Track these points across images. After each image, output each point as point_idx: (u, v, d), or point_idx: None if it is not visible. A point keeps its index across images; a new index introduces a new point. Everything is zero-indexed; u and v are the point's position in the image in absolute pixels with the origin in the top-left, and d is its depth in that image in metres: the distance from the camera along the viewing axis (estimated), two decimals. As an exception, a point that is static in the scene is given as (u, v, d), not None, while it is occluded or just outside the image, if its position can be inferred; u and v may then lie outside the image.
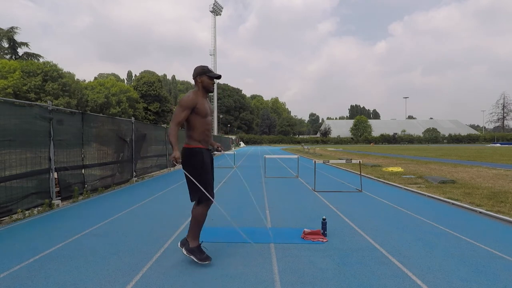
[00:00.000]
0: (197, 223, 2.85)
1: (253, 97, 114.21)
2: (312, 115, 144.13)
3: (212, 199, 2.82)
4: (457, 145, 67.48)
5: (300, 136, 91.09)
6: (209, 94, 3.05)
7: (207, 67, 2.88)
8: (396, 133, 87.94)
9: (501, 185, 7.35)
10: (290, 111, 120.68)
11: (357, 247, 3.29)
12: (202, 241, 2.96)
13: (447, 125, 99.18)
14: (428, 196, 6.24)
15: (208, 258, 2.82)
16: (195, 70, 2.87)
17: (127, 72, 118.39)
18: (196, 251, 2.81)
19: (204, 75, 2.83)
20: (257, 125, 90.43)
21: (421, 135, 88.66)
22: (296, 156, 12.07)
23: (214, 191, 3.11)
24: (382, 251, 3.16)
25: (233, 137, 57.01)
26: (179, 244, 2.94)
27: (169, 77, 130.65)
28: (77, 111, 6.53)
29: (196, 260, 2.78)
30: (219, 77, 2.92)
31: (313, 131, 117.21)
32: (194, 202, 2.91)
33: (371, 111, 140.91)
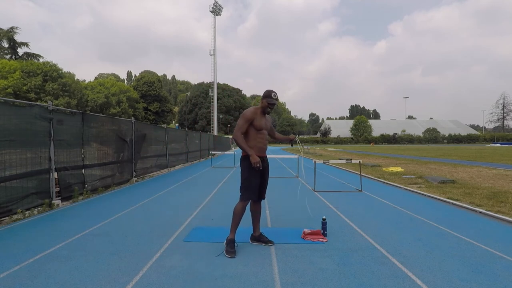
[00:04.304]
0: (234, 217, 3.25)
1: (253, 97, 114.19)
2: (312, 115, 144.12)
3: (249, 198, 3.27)
4: (457, 145, 67.48)
5: (300, 136, 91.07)
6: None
7: (271, 92, 3.31)
8: (396, 133, 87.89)
9: (501, 185, 7.35)
10: (290, 111, 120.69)
11: (357, 247, 3.29)
12: (237, 244, 3.24)
13: (447, 125, 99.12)
14: (428, 196, 6.24)
15: (233, 253, 3.06)
16: (264, 92, 3.37)
17: (127, 72, 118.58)
18: (228, 242, 3.14)
19: (265, 99, 3.31)
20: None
21: (421, 135, 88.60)
22: (296, 156, 12.07)
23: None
24: (382, 251, 3.16)
25: (233, 137, 56.75)
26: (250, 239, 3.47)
27: (169, 77, 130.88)
28: (77, 111, 6.52)
29: (224, 251, 3.10)
30: (274, 103, 3.31)
31: (313, 131, 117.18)
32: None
33: (371, 111, 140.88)
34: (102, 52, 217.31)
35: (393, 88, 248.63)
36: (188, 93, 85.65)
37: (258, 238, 3.43)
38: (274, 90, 3.32)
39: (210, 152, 19.76)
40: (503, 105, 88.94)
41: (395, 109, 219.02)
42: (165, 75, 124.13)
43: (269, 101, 3.30)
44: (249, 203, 3.41)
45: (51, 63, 32.13)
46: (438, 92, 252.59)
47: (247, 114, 3.26)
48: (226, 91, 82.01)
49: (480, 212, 4.83)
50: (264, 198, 3.45)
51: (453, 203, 5.49)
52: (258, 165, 3.12)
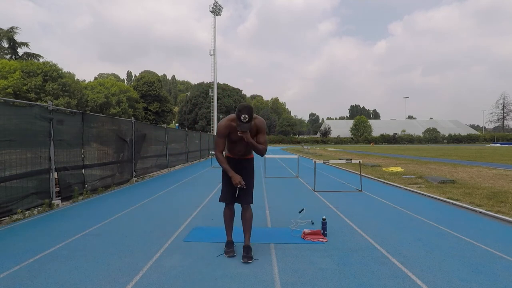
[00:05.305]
0: (224, 220, 3.20)
1: (253, 97, 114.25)
2: (312, 115, 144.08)
3: (221, 200, 3.14)
4: (457, 145, 67.50)
5: (300, 136, 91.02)
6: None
7: (241, 115, 2.74)
8: (396, 133, 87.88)
9: (501, 185, 7.35)
10: (290, 111, 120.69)
11: (357, 247, 3.29)
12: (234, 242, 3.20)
13: (447, 125, 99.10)
14: (428, 196, 6.24)
15: (232, 252, 3.06)
16: (239, 105, 2.85)
17: (126, 72, 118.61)
18: (226, 244, 3.15)
19: (237, 114, 2.78)
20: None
21: (421, 135, 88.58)
22: (296, 156, 12.06)
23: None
24: (382, 251, 3.16)
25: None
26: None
27: (169, 77, 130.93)
28: (77, 111, 6.53)
29: (223, 252, 3.09)
30: (244, 117, 2.75)
31: (313, 131, 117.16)
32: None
33: (371, 111, 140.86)
34: (102, 52, 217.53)
35: (393, 88, 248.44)
36: (188, 93, 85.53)
37: (243, 248, 3.05)
38: (248, 106, 2.76)
39: (210, 152, 19.75)
40: (503, 105, 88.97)
41: (395, 109, 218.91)
42: (165, 75, 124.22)
43: (237, 114, 2.79)
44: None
45: (51, 63, 32.10)
46: (438, 92, 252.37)
47: (220, 131, 2.97)
48: (226, 91, 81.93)
49: (480, 212, 4.83)
50: (246, 202, 3.08)
51: (453, 203, 5.49)
52: (239, 186, 2.88)
